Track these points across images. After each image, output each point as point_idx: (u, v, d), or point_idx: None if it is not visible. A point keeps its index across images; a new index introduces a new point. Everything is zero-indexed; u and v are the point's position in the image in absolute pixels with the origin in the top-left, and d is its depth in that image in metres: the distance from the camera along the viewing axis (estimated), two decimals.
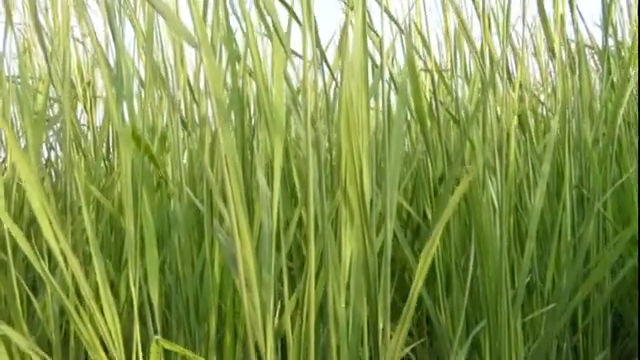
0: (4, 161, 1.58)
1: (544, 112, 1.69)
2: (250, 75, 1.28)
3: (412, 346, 0.96)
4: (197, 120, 1.17)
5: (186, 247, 1.01)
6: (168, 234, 1.10)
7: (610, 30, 1.42)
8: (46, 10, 1.58)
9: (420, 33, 1.26)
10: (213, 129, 1.11)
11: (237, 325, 1.01)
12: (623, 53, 1.66)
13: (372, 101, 1.34)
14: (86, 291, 0.83)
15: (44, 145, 1.62)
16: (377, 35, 1.14)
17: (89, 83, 1.68)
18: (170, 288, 1.05)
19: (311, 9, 0.80)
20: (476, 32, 1.61)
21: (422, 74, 1.51)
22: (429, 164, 1.21)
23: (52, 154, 1.65)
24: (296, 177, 1.28)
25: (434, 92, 1.16)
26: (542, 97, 1.73)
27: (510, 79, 1.15)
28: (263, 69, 0.87)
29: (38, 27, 1.19)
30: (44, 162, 1.62)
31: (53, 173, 1.65)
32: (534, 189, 1.25)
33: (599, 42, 1.73)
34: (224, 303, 1.01)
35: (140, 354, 0.89)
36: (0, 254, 1.16)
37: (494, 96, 1.13)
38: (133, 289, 0.88)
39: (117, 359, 0.84)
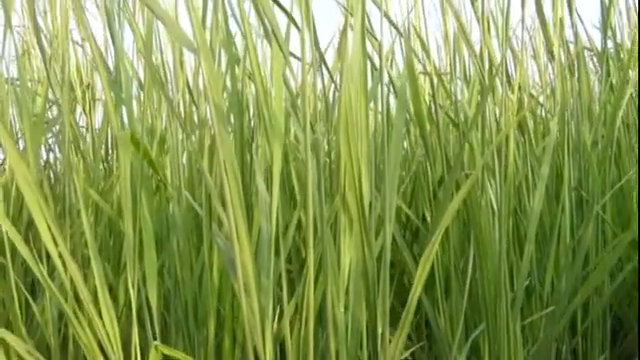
0: (3, 162, 1.58)
1: (543, 114, 1.69)
2: (249, 78, 1.28)
3: (411, 350, 0.96)
4: (196, 121, 1.17)
5: (185, 251, 1.01)
6: (167, 237, 1.10)
7: (609, 33, 1.42)
8: (45, 13, 1.58)
9: (419, 36, 1.26)
10: (212, 131, 1.10)
11: (236, 329, 1.01)
12: (622, 55, 1.66)
13: (371, 104, 1.34)
14: (84, 295, 0.83)
15: (43, 147, 1.62)
16: (376, 39, 1.14)
17: (88, 85, 1.68)
18: (169, 292, 1.05)
19: (310, 12, 0.80)
20: (475, 36, 1.61)
21: (421, 77, 1.51)
22: (428, 167, 1.21)
23: (51, 156, 1.65)
24: (295, 180, 1.28)
25: (433, 95, 1.16)
26: (541, 98, 1.73)
27: (509, 82, 1.15)
28: (262, 72, 0.87)
29: (37, 30, 1.19)
30: (43, 164, 1.62)
31: (52, 175, 1.65)
32: (533, 191, 1.25)
33: (598, 44, 1.73)
34: (223, 307, 1.00)
35: (139, 358, 0.89)
36: None
37: (493, 99, 1.13)
38: (132, 293, 0.88)
39: None
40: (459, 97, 1.24)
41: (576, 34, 1.35)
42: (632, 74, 1.43)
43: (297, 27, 0.82)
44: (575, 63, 1.36)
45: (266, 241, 0.80)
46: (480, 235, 1.02)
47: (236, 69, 1.08)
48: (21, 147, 1.58)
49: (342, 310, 0.81)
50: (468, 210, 1.04)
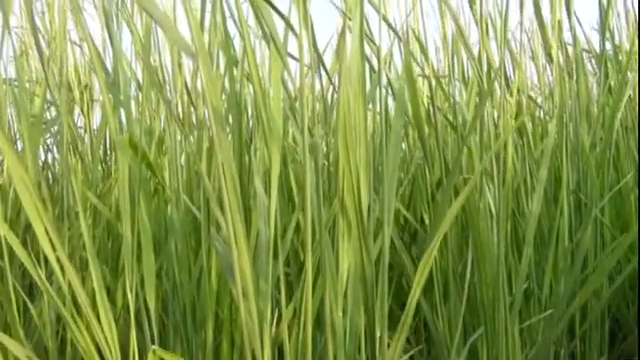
0: (2, 163, 1.58)
1: (541, 115, 1.69)
2: (247, 79, 1.28)
3: (410, 353, 0.96)
4: (194, 122, 1.17)
5: (183, 254, 1.01)
6: (165, 240, 1.10)
7: (607, 35, 1.42)
8: (43, 14, 1.58)
9: (418, 39, 1.25)
10: (210, 133, 1.10)
11: (234, 333, 1.00)
12: (620, 57, 1.66)
13: (370, 105, 1.33)
14: (82, 298, 0.83)
15: (41, 147, 1.61)
16: (374, 43, 1.14)
17: (86, 86, 1.68)
18: (167, 294, 1.04)
19: (307, 14, 0.79)
20: (474, 38, 1.61)
21: (420, 80, 1.51)
22: (426, 169, 1.21)
23: (49, 156, 1.65)
24: (293, 182, 1.27)
25: (432, 98, 1.16)
26: (539, 100, 1.73)
27: (508, 85, 1.15)
28: (260, 73, 0.86)
29: (35, 30, 1.19)
30: (41, 164, 1.62)
31: (50, 175, 1.64)
32: (531, 194, 1.25)
33: (596, 46, 1.73)
34: (221, 310, 1.00)
35: None
36: None
37: (492, 102, 1.13)
38: (130, 296, 0.88)
39: None
40: (457, 99, 1.24)
41: (574, 36, 1.35)
42: (630, 76, 1.43)
43: (295, 33, 0.82)
44: (574, 65, 1.36)
45: (264, 245, 0.80)
46: (478, 239, 1.02)
47: (234, 71, 1.08)
48: (19, 148, 1.58)
49: (340, 314, 0.81)
50: (466, 214, 1.04)
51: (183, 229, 1.01)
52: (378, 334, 0.82)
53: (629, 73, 1.42)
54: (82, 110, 1.66)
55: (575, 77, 1.37)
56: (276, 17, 0.85)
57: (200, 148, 1.11)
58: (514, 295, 1.06)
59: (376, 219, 1.01)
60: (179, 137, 1.14)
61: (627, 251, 1.32)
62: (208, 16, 1.14)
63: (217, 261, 1.00)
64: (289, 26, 0.85)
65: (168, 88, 1.45)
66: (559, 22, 1.24)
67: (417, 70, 1.31)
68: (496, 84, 1.15)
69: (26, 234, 1.28)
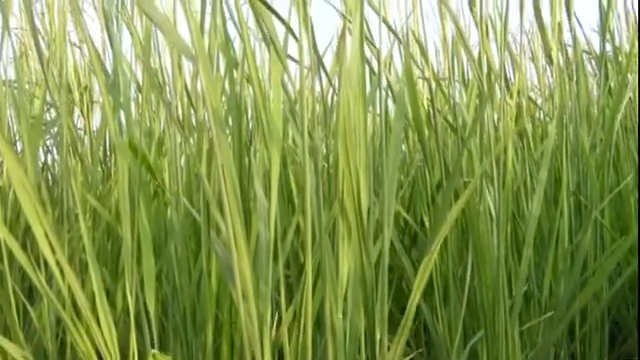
0: (1, 165, 1.58)
1: (541, 116, 1.69)
2: (247, 81, 1.28)
3: (410, 357, 0.96)
4: (194, 124, 1.17)
5: (183, 256, 1.01)
6: (165, 243, 1.10)
7: (607, 36, 1.42)
8: (43, 15, 1.58)
9: (418, 41, 1.25)
10: (210, 134, 1.10)
11: (234, 335, 1.00)
12: (620, 58, 1.66)
13: (370, 107, 1.33)
14: (82, 302, 0.83)
15: (41, 148, 1.61)
16: (374, 46, 1.14)
17: (86, 88, 1.68)
18: (167, 297, 1.04)
19: (307, 16, 0.79)
20: (474, 39, 1.61)
21: (420, 82, 1.51)
22: (426, 172, 1.21)
23: (49, 157, 1.65)
24: (293, 183, 1.27)
25: (432, 100, 1.16)
26: (539, 101, 1.73)
27: (508, 87, 1.15)
28: (260, 75, 0.86)
29: (34, 32, 1.19)
30: (41, 165, 1.62)
31: (50, 177, 1.64)
32: (531, 196, 1.25)
33: (596, 47, 1.73)
34: (221, 313, 1.00)
35: None
36: None
37: (492, 104, 1.13)
38: (130, 299, 0.88)
39: None
40: (457, 101, 1.24)
41: (574, 38, 1.35)
42: (631, 78, 1.43)
43: (295, 37, 0.82)
44: (574, 67, 1.36)
45: (264, 247, 0.80)
46: (478, 241, 1.02)
47: (234, 73, 1.08)
48: (19, 149, 1.57)
49: (340, 317, 0.81)
50: (466, 217, 1.04)
51: (183, 232, 1.01)
52: (378, 337, 0.82)
53: (629, 75, 1.42)
54: (82, 112, 1.66)
55: (575, 78, 1.37)
56: (276, 19, 0.85)
57: (200, 150, 1.11)
58: (514, 298, 1.06)
59: (376, 221, 1.01)
60: (179, 139, 1.14)
61: (627, 253, 1.31)
62: (208, 18, 1.14)
63: (217, 264, 1.00)
64: (289, 30, 0.85)
65: (168, 89, 1.45)
66: (559, 24, 1.24)
67: (417, 72, 1.31)
68: (496, 86, 1.15)
69: (26, 236, 1.28)
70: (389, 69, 1.46)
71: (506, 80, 1.11)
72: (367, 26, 1.21)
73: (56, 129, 1.54)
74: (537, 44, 1.64)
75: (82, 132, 1.64)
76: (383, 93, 1.27)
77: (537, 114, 1.67)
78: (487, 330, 1.03)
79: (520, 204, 1.26)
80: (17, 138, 1.62)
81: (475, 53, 1.10)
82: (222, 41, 1.07)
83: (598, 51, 1.44)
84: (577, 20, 1.47)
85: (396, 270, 1.34)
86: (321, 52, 1.34)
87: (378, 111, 1.32)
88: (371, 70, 1.22)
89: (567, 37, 1.40)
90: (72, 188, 1.12)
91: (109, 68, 1.44)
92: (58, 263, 0.82)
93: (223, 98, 1.21)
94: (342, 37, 0.99)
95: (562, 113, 1.30)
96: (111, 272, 1.23)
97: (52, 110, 1.71)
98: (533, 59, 1.71)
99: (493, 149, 0.96)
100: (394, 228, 1.24)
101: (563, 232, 1.20)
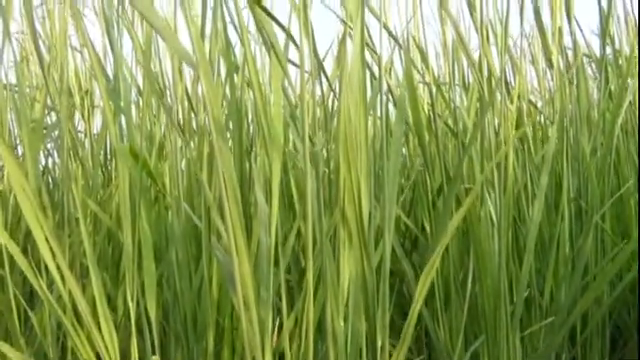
0: (2, 169, 1.58)
1: (542, 119, 1.69)
2: (248, 85, 1.28)
3: None
4: (195, 128, 1.17)
5: (184, 262, 1.01)
6: (166, 248, 1.10)
7: (607, 39, 1.42)
8: (43, 19, 1.58)
9: (418, 47, 1.25)
10: (211, 138, 1.10)
11: (235, 341, 1.00)
12: (620, 62, 1.66)
13: (370, 111, 1.33)
14: (83, 307, 0.83)
15: (41, 152, 1.62)
16: (375, 53, 1.14)
17: (87, 92, 1.68)
18: (167, 302, 1.04)
19: (308, 22, 0.79)
20: (474, 42, 1.61)
21: (420, 86, 1.51)
22: (427, 176, 1.21)
23: (49, 161, 1.65)
24: (294, 188, 1.27)
25: (432, 105, 1.16)
26: (539, 104, 1.73)
27: (509, 92, 1.15)
28: (261, 79, 0.86)
29: (35, 36, 1.19)
30: (41, 169, 1.62)
31: (50, 180, 1.64)
32: (532, 200, 1.25)
33: (596, 49, 1.73)
34: (222, 318, 1.00)
35: None
36: None
37: (492, 109, 1.13)
38: (131, 304, 0.88)
39: None
40: (458, 105, 1.24)
41: (575, 42, 1.35)
42: (631, 82, 1.43)
43: (295, 44, 0.82)
44: (574, 71, 1.36)
45: (265, 254, 0.80)
46: (479, 247, 1.02)
47: (235, 78, 1.08)
48: (20, 153, 1.57)
49: (342, 323, 0.81)
50: (467, 222, 1.04)
51: (184, 237, 1.01)
52: (380, 343, 0.82)
53: (629, 79, 1.42)
54: (82, 116, 1.66)
55: (575, 82, 1.37)
56: (276, 26, 0.85)
57: (200, 154, 1.11)
58: (515, 303, 1.06)
59: (377, 226, 1.01)
60: (179, 143, 1.14)
61: (628, 258, 1.31)
62: (208, 23, 1.14)
63: (218, 269, 1.00)
64: (290, 37, 0.85)
65: (168, 93, 1.45)
66: (559, 28, 1.24)
67: (418, 77, 1.31)
68: (497, 93, 1.15)
69: (27, 241, 1.28)
70: (390, 73, 1.46)
71: (507, 84, 1.11)
72: (367, 31, 1.21)
73: (57, 133, 1.54)
74: (537, 47, 1.64)
75: (83, 136, 1.64)
76: (384, 97, 1.27)
77: (537, 117, 1.67)
78: (488, 335, 1.03)
79: (521, 209, 1.26)
80: (18, 142, 1.62)
81: (475, 57, 1.10)
82: (223, 46, 1.08)
83: (598, 54, 1.44)
84: (577, 23, 1.47)
85: (397, 275, 1.34)
86: (321, 56, 1.34)
87: (379, 115, 1.32)
88: (372, 75, 1.22)
89: (567, 40, 1.40)
90: (73, 193, 1.12)
91: (110, 73, 1.45)
92: (59, 268, 0.82)
93: (224, 103, 1.21)
94: (342, 42, 0.99)
95: (563, 117, 1.30)
96: (112, 277, 1.23)
97: (53, 114, 1.71)
98: (533, 62, 1.71)
99: (494, 155, 0.96)
100: (395, 232, 1.24)
101: (564, 237, 1.20)
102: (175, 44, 0.72)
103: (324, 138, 1.19)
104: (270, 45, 0.75)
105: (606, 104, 1.47)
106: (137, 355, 0.91)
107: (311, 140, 0.77)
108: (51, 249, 0.82)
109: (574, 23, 1.33)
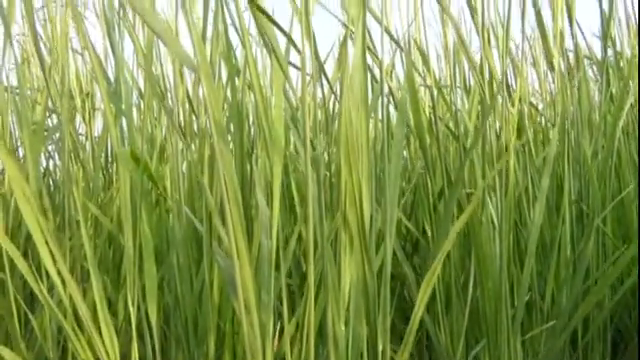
0: (3, 172, 1.58)
1: (542, 121, 1.69)
2: (249, 88, 1.28)
3: None
4: (196, 129, 1.17)
5: (185, 265, 1.01)
6: (167, 252, 1.10)
7: (609, 42, 1.42)
8: (45, 21, 1.58)
9: (420, 49, 1.25)
10: (212, 140, 1.10)
11: (236, 345, 1.00)
12: (622, 64, 1.65)
13: (372, 113, 1.33)
14: (84, 312, 0.83)
15: (42, 154, 1.61)
16: (377, 57, 1.14)
17: (88, 94, 1.68)
18: (168, 305, 1.04)
19: (310, 26, 0.79)
20: (475, 44, 1.61)
21: (421, 89, 1.51)
22: (428, 179, 1.21)
23: (50, 163, 1.65)
24: (295, 191, 1.27)
25: (433, 108, 1.16)
26: (540, 106, 1.73)
27: (510, 95, 1.15)
28: (262, 81, 0.86)
29: (36, 39, 1.19)
30: (42, 171, 1.62)
31: (51, 182, 1.64)
32: (533, 203, 1.24)
33: (597, 51, 1.73)
34: (223, 323, 1.00)
35: None
36: None
37: (494, 114, 1.13)
38: (132, 310, 0.88)
39: None
40: (459, 107, 1.24)
41: (576, 45, 1.35)
42: (632, 84, 1.43)
43: (297, 50, 0.82)
44: (575, 73, 1.36)
45: (266, 258, 0.80)
46: (481, 250, 1.02)
47: (236, 80, 1.08)
48: (21, 154, 1.57)
49: (343, 328, 0.81)
50: (468, 225, 1.04)
51: (185, 241, 1.01)
52: (380, 347, 0.82)
53: (630, 82, 1.42)
54: (84, 118, 1.66)
55: (577, 85, 1.37)
56: (278, 31, 0.85)
57: (202, 156, 1.11)
58: (516, 306, 1.06)
59: (378, 230, 1.01)
60: (180, 146, 1.14)
61: (629, 262, 1.31)
62: (209, 25, 1.14)
63: (219, 273, 1.00)
64: (291, 42, 0.85)
65: (170, 95, 1.45)
66: (561, 32, 1.24)
67: (419, 80, 1.31)
68: (498, 95, 1.15)
69: (27, 244, 1.27)
70: (390, 75, 1.46)
71: (508, 88, 1.11)
72: (368, 33, 1.21)
73: (58, 135, 1.54)
74: (538, 49, 1.64)
75: (84, 138, 1.64)
76: (385, 100, 1.27)
77: (538, 119, 1.67)
78: (489, 339, 1.03)
79: (522, 212, 1.26)
80: (19, 144, 1.62)
81: (476, 57, 1.10)
82: (224, 48, 1.07)
83: (599, 56, 1.44)
84: (578, 26, 1.47)
85: (398, 278, 1.34)
86: (323, 58, 1.34)
87: (380, 119, 1.32)
88: (373, 77, 1.22)
89: (568, 42, 1.40)
90: (74, 196, 1.12)
91: (111, 75, 1.45)
92: (59, 273, 0.82)
93: (225, 105, 1.21)
94: (344, 45, 0.99)
95: (564, 121, 1.30)
96: (112, 280, 1.23)
97: (54, 116, 1.71)
98: (534, 64, 1.71)
99: (495, 161, 0.96)
100: (395, 235, 1.24)
101: (565, 240, 1.20)
102: (176, 48, 0.72)
103: (325, 141, 1.19)
104: (272, 49, 0.75)
105: (607, 107, 1.46)
106: (138, 359, 0.91)
107: (312, 145, 0.77)
108: (51, 253, 0.82)
109: (575, 25, 1.33)
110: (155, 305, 0.93)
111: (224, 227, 0.77)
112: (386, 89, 1.25)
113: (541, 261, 1.24)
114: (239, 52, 1.29)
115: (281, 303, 1.08)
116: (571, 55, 1.39)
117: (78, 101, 1.65)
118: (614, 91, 1.57)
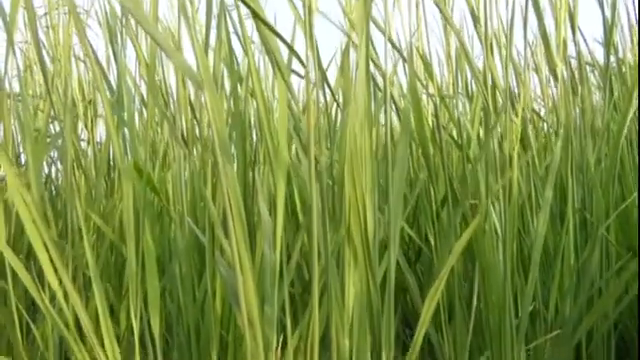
0: (3, 180, 1.58)
1: (545, 127, 1.68)
2: (251, 95, 1.27)
3: None
4: (197, 136, 1.17)
5: (187, 275, 1.00)
6: (169, 261, 1.10)
7: (611, 50, 1.42)
8: (47, 29, 1.58)
9: (422, 58, 1.25)
10: (214, 146, 1.10)
11: (239, 356, 1.00)
12: (624, 70, 1.65)
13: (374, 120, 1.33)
14: (85, 323, 0.83)
15: (44, 161, 1.61)
16: (380, 68, 1.14)
17: (90, 101, 1.68)
18: (171, 315, 1.04)
19: (313, 39, 0.79)
20: (477, 50, 1.61)
21: (424, 97, 1.51)
22: (431, 187, 1.21)
23: (52, 169, 1.65)
24: (297, 199, 1.27)
25: (436, 116, 1.16)
26: (542, 112, 1.72)
27: (513, 105, 1.15)
28: (264, 85, 0.86)
29: (38, 47, 1.19)
30: (44, 177, 1.62)
31: (53, 189, 1.64)
32: (536, 211, 1.24)
33: (599, 57, 1.73)
34: (226, 333, 1.00)
35: None
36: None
37: (497, 119, 1.13)
38: (134, 322, 0.88)
39: None
40: (462, 114, 1.24)
41: (579, 53, 1.34)
42: (635, 93, 1.43)
43: (302, 63, 0.81)
44: (578, 81, 1.36)
45: (270, 270, 0.79)
46: (484, 259, 1.01)
47: (238, 88, 1.08)
48: (23, 161, 1.57)
49: (346, 340, 0.80)
50: (472, 235, 1.04)
51: (187, 251, 1.01)
52: (384, 359, 0.81)
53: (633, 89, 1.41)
54: (86, 126, 1.66)
55: (580, 93, 1.36)
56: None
57: (204, 164, 1.11)
58: (520, 317, 1.05)
59: (381, 239, 1.00)
60: (182, 155, 1.13)
61: (633, 272, 1.30)
62: (212, 32, 1.14)
63: (221, 283, 0.99)
64: (294, 54, 0.85)
65: (172, 101, 1.44)
66: (564, 40, 1.23)
67: (421, 89, 1.31)
68: (500, 99, 1.15)
69: (30, 253, 1.27)
70: (392, 84, 1.45)
71: (511, 96, 1.11)
72: (371, 42, 1.21)
73: (60, 142, 1.54)
74: (540, 56, 1.64)
75: (85, 144, 1.64)
76: (388, 108, 1.27)
77: (540, 124, 1.66)
78: (493, 349, 1.02)
79: (525, 220, 1.25)
80: (21, 151, 1.62)
81: (478, 64, 1.10)
82: (226, 56, 1.07)
83: (602, 62, 1.44)
84: (581, 33, 1.46)
85: (400, 285, 1.34)
86: (325, 65, 1.33)
87: (383, 127, 1.32)
88: (375, 85, 1.22)
89: (571, 49, 1.39)
90: (76, 205, 1.12)
91: (113, 83, 1.44)
92: (61, 282, 0.82)
93: (227, 112, 1.20)
94: (346, 54, 0.98)
95: (567, 129, 1.30)
96: (115, 288, 1.23)
97: (56, 123, 1.71)
98: (537, 71, 1.71)
99: (498, 170, 0.96)
100: (399, 244, 1.23)
101: (569, 249, 1.19)
102: (178, 60, 0.72)
103: (328, 150, 1.18)
104: (275, 62, 0.75)
105: (610, 114, 1.46)
106: None
107: (316, 158, 0.77)
108: (52, 260, 0.82)
109: (578, 33, 1.33)
110: (158, 315, 0.93)
111: (227, 239, 0.77)
112: (388, 96, 1.25)
113: (545, 270, 1.24)
114: (240, 55, 1.29)
115: (284, 314, 1.08)
116: (573, 61, 1.39)
117: (80, 108, 1.65)
118: (616, 95, 1.57)
